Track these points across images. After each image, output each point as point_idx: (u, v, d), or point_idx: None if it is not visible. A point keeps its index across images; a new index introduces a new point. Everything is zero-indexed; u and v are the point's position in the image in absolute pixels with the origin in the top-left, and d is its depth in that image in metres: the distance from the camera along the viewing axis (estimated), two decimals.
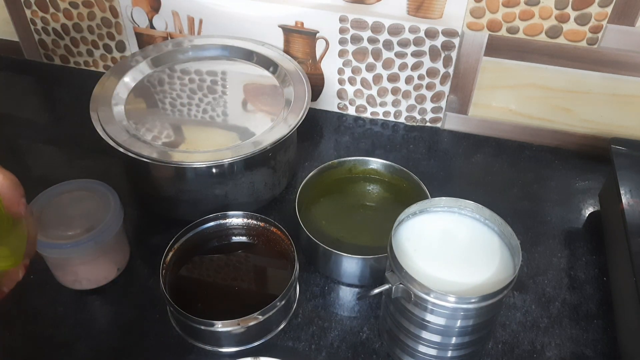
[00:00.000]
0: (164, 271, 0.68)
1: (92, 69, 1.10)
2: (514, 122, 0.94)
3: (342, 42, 0.92)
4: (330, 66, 0.96)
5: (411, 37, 0.88)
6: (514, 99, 0.91)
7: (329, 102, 1.01)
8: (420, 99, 0.95)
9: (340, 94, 0.99)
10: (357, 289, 0.74)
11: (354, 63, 0.94)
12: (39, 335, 0.67)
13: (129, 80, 0.84)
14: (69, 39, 1.07)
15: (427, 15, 0.85)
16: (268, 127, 0.77)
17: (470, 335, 0.59)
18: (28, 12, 1.05)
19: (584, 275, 0.75)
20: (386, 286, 0.58)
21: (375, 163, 0.82)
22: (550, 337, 0.69)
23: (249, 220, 0.75)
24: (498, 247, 0.61)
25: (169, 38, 1.00)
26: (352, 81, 0.96)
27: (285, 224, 0.73)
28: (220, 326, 0.63)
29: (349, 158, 0.82)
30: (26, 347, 0.67)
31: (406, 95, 0.95)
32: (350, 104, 1.00)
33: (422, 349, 0.61)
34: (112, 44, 1.05)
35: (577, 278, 0.75)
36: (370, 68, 0.94)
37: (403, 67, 0.92)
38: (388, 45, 0.90)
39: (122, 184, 0.81)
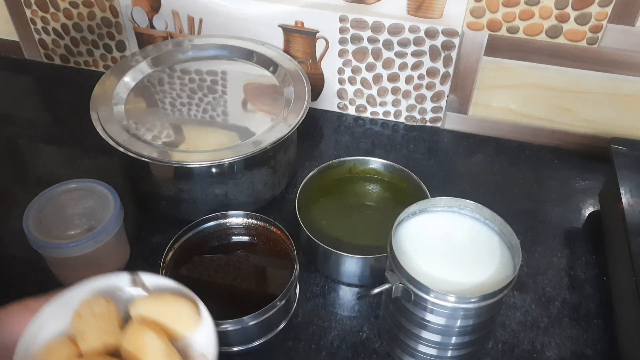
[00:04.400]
0: (164, 271, 0.68)
1: (92, 68, 1.10)
2: (514, 122, 0.94)
3: (342, 41, 0.92)
4: (330, 66, 0.96)
5: (411, 36, 0.88)
6: (514, 99, 0.91)
7: (329, 101, 1.01)
8: (420, 98, 0.95)
9: (340, 94, 0.99)
10: (357, 289, 0.74)
11: (354, 63, 0.94)
12: None
13: (129, 80, 0.84)
14: (69, 39, 1.07)
15: (427, 15, 0.85)
16: (268, 126, 0.77)
17: (470, 335, 0.59)
18: (28, 12, 1.05)
19: (584, 274, 0.75)
20: (386, 286, 0.58)
21: (375, 163, 0.82)
22: (550, 336, 0.69)
23: (249, 220, 0.75)
24: (498, 246, 0.61)
25: (169, 38, 1.00)
26: (352, 81, 0.96)
27: (285, 224, 0.73)
28: (219, 326, 0.63)
29: (349, 158, 0.82)
30: None
31: (406, 95, 0.95)
32: (350, 103, 1.00)
33: (422, 348, 0.61)
34: (112, 43, 1.05)
35: (577, 278, 0.75)
36: (370, 68, 0.94)
37: (403, 66, 0.92)
38: (388, 45, 0.90)
39: (122, 183, 0.81)
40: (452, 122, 0.97)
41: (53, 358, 0.47)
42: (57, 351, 0.47)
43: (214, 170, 0.74)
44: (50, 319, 0.48)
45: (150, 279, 0.54)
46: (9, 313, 0.46)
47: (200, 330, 0.53)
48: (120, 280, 0.53)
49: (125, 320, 0.52)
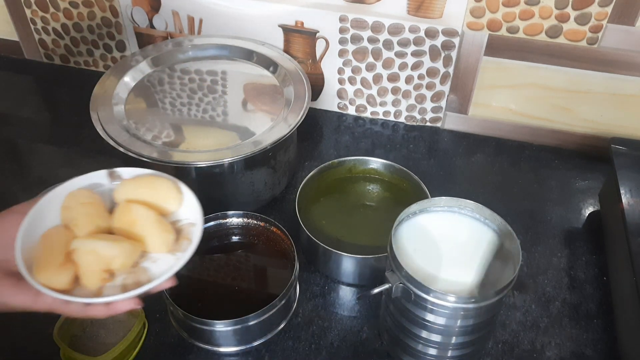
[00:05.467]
0: None
1: (92, 68, 1.10)
2: (514, 122, 0.94)
3: (342, 41, 0.92)
4: (330, 66, 0.96)
5: (411, 36, 0.88)
6: (514, 99, 0.91)
7: (329, 101, 1.01)
8: (420, 98, 0.95)
9: (340, 94, 0.99)
10: (357, 289, 0.74)
11: (354, 63, 0.94)
12: (39, 333, 0.67)
13: (129, 79, 0.84)
14: (69, 39, 1.07)
15: (427, 14, 0.85)
16: (268, 126, 0.77)
17: (470, 335, 0.59)
18: (28, 12, 1.05)
19: (584, 274, 0.75)
20: (386, 286, 0.58)
21: (375, 163, 0.82)
22: (550, 336, 0.69)
23: (249, 220, 0.75)
24: (498, 246, 0.61)
25: (169, 38, 1.00)
26: (352, 81, 0.96)
27: (285, 224, 0.73)
28: (220, 326, 0.63)
29: (349, 158, 0.82)
30: (27, 345, 0.67)
31: (406, 94, 0.95)
32: (350, 103, 1.00)
33: (422, 348, 0.61)
34: (112, 43, 1.05)
35: (577, 278, 0.75)
36: (370, 68, 0.94)
37: (403, 66, 0.92)
38: (388, 45, 0.90)
39: None
40: (452, 122, 0.97)
41: (53, 243, 0.49)
42: (56, 237, 0.50)
43: (214, 170, 0.74)
44: (40, 216, 0.51)
45: (128, 171, 0.56)
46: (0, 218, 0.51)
47: (184, 204, 0.55)
48: (99, 177, 0.55)
49: (112, 210, 0.54)
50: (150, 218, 0.52)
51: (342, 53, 0.93)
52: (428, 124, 0.99)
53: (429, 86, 0.93)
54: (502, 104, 0.92)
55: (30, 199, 0.71)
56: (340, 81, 0.97)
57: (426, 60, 0.90)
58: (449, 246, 0.61)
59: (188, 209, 0.55)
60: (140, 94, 0.83)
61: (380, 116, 1.00)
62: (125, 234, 0.52)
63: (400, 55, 0.91)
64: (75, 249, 0.49)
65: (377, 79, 0.95)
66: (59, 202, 0.52)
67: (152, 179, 0.55)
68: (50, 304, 0.49)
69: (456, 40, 0.87)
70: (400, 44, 0.89)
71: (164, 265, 0.52)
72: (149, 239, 0.52)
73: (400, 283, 0.57)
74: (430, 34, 0.87)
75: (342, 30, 0.90)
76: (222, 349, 0.67)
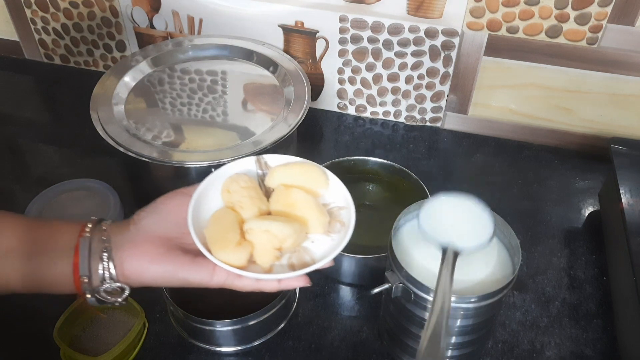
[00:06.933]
0: None
1: (92, 68, 1.10)
2: (514, 122, 0.94)
3: (342, 41, 0.92)
4: (330, 66, 0.96)
5: (411, 36, 0.88)
6: (514, 99, 0.91)
7: (329, 101, 1.01)
8: (420, 98, 0.95)
9: (340, 94, 0.99)
10: (357, 289, 0.74)
11: (354, 63, 0.94)
12: (38, 333, 0.67)
13: (129, 79, 0.84)
14: (69, 39, 1.07)
15: (427, 14, 0.85)
16: (268, 126, 0.77)
17: (470, 335, 0.59)
18: (28, 12, 1.05)
19: (584, 274, 0.75)
20: (386, 285, 0.58)
21: (375, 163, 0.82)
22: (550, 336, 0.69)
23: None
24: (498, 246, 0.61)
25: (169, 38, 1.00)
26: (352, 81, 0.96)
27: None
28: (220, 326, 0.63)
29: (349, 157, 0.82)
30: (26, 345, 0.67)
31: (406, 94, 0.96)
32: (350, 103, 1.00)
33: None
34: (112, 43, 1.05)
35: (576, 277, 0.75)
36: (370, 68, 0.94)
37: (403, 66, 0.92)
38: (388, 45, 0.90)
39: (122, 183, 0.81)
40: (452, 122, 0.97)
41: (226, 223, 0.52)
42: (227, 218, 0.53)
43: (214, 170, 0.74)
44: (203, 198, 0.54)
45: (273, 158, 0.58)
46: (169, 197, 0.54)
47: (331, 188, 0.57)
48: (248, 163, 0.58)
49: (264, 194, 0.56)
50: (309, 201, 0.55)
51: (342, 53, 0.93)
52: (428, 124, 0.99)
53: (429, 86, 0.93)
54: (502, 104, 0.92)
55: (31, 199, 0.72)
56: (340, 81, 0.97)
57: (426, 60, 0.90)
58: None
59: (334, 193, 0.57)
60: (140, 94, 0.83)
61: (380, 116, 1.00)
62: (284, 216, 0.55)
63: (400, 55, 0.91)
64: (250, 229, 0.52)
65: (377, 79, 0.95)
66: (217, 186, 0.55)
67: (301, 165, 0.58)
68: (225, 279, 0.51)
69: (456, 40, 0.87)
70: (400, 44, 0.89)
71: (322, 246, 0.54)
72: (309, 221, 0.54)
73: (400, 283, 0.57)
74: (430, 34, 0.87)
75: (342, 30, 0.90)
76: (222, 349, 0.67)
